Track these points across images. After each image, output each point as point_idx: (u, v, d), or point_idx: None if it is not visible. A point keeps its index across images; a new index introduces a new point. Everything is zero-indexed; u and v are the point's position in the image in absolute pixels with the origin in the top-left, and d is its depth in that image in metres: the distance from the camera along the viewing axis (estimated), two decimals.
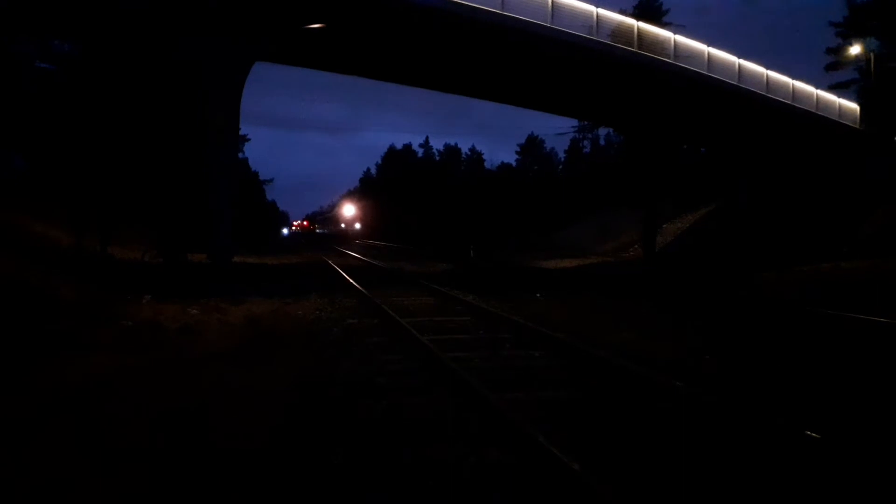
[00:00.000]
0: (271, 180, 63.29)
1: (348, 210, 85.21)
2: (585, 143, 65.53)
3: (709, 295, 14.62)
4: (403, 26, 19.06)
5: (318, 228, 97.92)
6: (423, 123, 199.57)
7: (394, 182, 79.95)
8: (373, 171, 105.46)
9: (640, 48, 22.43)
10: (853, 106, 30.19)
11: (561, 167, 71.71)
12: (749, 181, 33.01)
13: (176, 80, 17.75)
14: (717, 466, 4.04)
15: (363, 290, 13.39)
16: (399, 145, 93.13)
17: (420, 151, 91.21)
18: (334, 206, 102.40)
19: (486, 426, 4.70)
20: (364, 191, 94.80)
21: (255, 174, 53.24)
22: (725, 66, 24.74)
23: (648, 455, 4.22)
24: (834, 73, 38.27)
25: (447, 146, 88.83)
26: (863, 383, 6.34)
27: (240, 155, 43.55)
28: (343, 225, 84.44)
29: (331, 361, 7.08)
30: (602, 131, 60.55)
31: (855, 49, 33.27)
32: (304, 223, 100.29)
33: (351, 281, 15.59)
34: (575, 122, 59.08)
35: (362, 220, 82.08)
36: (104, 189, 17.42)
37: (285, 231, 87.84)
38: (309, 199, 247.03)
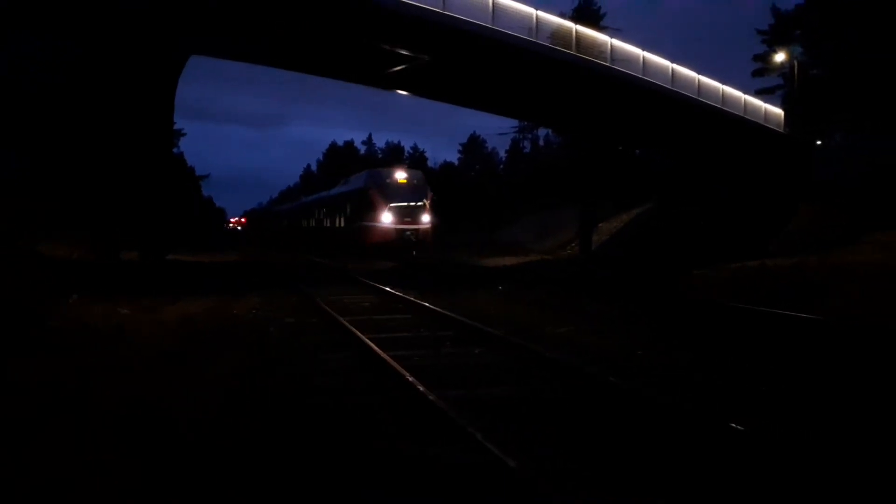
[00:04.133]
0: (207, 176, 61.52)
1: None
2: (526, 143, 66.55)
3: (641, 290, 15.06)
4: (341, 21, 18.87)
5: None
6: (360, 118, 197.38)
7: (333, 179, 78.91)
8: (313, 167, 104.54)
9: (578, 51, 22.87)
10: (778, 111, 31.58)
11: (502, 166, 72.57)
12: (683, 181, 34.16)
13: (113, 74, 17.12)
14: (653, 457, 4.19)
15: (303, 289, 13.26)
16: (339, 141, 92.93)
17: (363, 149, 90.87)
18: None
19: (426, 424, 4.74)
20: (305, 188, 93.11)
21: (192, 169, 51.82)
22: (659, 70, 25.48)
23: (583, 448, 4.35)
24: (759, 79, 40.03)
25: (389, 144, 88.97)
26: (770, 373, 6.67)
27: (174, 150, 42.40)
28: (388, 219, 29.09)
29: (270, 361, 6.99)
30: (542, 132, 61.62)
31: (780, 56, 34.82)
32: (242, 220, 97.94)
33: (290, 279, 15.39)
34: (516, 123, 59.88)
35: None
36: (33, 181, 16.62)
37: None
38: (244, 195, 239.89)
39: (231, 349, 7.58)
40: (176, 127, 40.92)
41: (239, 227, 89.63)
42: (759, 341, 8.45)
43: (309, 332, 8.74)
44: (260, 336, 8.55)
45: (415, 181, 30.33)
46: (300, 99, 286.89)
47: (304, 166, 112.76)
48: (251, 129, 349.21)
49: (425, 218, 28.94)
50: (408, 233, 28.33)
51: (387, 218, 27.88)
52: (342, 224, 32.91)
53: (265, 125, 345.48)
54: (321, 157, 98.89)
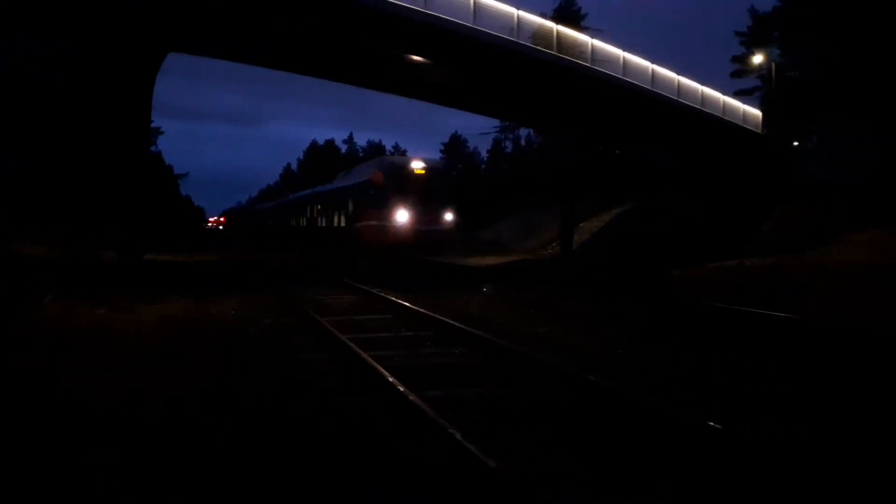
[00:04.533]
0: (186, 174, 60.77)
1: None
2: (507, 142, 66.60)
3: (621, 291, 15.16)
4: (324, 21, 18.81)
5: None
6: (340, 117, 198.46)
7: (317, 178, 78.60)
8: (293, 166, 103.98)
9: (559, 51, 22.96)
10: (756, 112, 31.96)
11: (484, 166, 72.59)
12: (664, 181, 34.46)
13: (89, 70, 16.88)
14: (631, 455, 4.22)
15: (283, 288, 13.17)
16: (319, 140, 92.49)
17: (344, 147, 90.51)
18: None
19: (405, 423, 4.74)
20: (286, 187, 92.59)
21: (170, 168, 51.21)
22: (639, 71, 25.66)
23: (562, 447, 4.36)
24: (739, 80, 40.41)
25: (371, 143, 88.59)
26: (752, 369, 6.76)
27: (153, 148, 41.93)
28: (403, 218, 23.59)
29: (249, 362, 6.94)
30: (523, 132, 61.71)
31: (758, 58, 35.18)
32: (221, 219, 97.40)
33: (270, 279, 15.29)
34: (497, 122, 59.89)
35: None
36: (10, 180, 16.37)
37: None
38: (223, 195, 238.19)
39: (212, 351, 7.51)
40: (154, 125, 40.48)
41: (220, 227, 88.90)
42: (736, 339, 8.55)
43: (289, 333, 8.68)
44: (242, 337, 8.47)
45: (434, 173, 24.58)
46: (279, 97, 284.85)
47: (284, 165, 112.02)
48: (230, 127, 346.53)
49: (447, 217, 23.71)
50: (426, 235, 22.93)
51: (402, 217, 22.47)
52: (342, 223, 27.69)
53: (244, 123, 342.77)
54: (301, 156, 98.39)
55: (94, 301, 10.67)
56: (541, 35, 23.04)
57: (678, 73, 27.12)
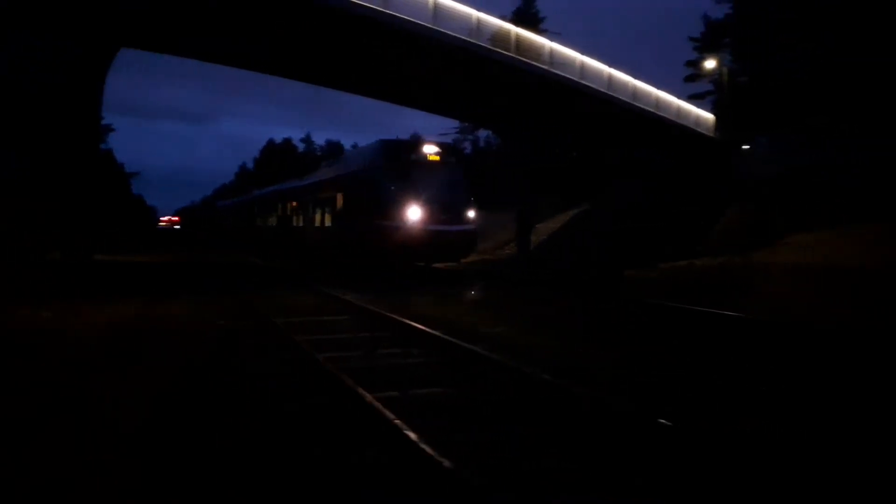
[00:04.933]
0: (137, 173, 59.45)
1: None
2: (466, 144, 66.82)
3: (575, 290, 15.37)
4: (278, 15, 18.57)
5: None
6: (295, 116, 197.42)
7: (273, 177, 77.46)
8: (249, 164, 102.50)
9: (517, 53, 23.15)
10: (709, 115, 32.78)
11: None
12: (619, 182, 35.02)
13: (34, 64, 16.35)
14: (586, 452, 4.28)
15: (238, 290, 12.97)
16: (276, 138, 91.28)
17: (301, 146, 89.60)
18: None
19: (361, 425, 4.71)
20: (242, 186, 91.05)
21: (121, 166, 50.00)
22: (597, 74, 26.06)
23: (516, 446, 4.40)
24: (692, 85, 41.41)
25: (329, 142, 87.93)
26: (696, 365, 6.93)
27: (103, 145, 40.81)
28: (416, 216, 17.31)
29: (199, 365, 6.80)
30: (482, 133, 62.04)
31: (710, 63, 36.06)
32: (175, 218, 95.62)
33: (224, 280, 15.03)
34: (457, 124, 60.11)
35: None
36: None
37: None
38: (175, 194, 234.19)
39: (161, 355, 7.34)
40: (105, 122, 39.42)
41: (174, 227, 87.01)
42: (686, 337, 8.75)
43: (244, 335, 8.54)
44: (192, 341, 8.29)
45: (451, 158, 20.06)
46: (232, 94, 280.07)
47: (239, 164, 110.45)
48: (182, 125, 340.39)
49: (470, 215, 19.03)
50: (441, 235, 18.18)
51: (413, 214, 17.72)
52: (326, 222, 23.06)
53: (196, 121, 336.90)
54: (258, 155, 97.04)
55: (37, 304, 10.32)
56: (499, 37, 23.19)
57: (634, 77, 27.64)
